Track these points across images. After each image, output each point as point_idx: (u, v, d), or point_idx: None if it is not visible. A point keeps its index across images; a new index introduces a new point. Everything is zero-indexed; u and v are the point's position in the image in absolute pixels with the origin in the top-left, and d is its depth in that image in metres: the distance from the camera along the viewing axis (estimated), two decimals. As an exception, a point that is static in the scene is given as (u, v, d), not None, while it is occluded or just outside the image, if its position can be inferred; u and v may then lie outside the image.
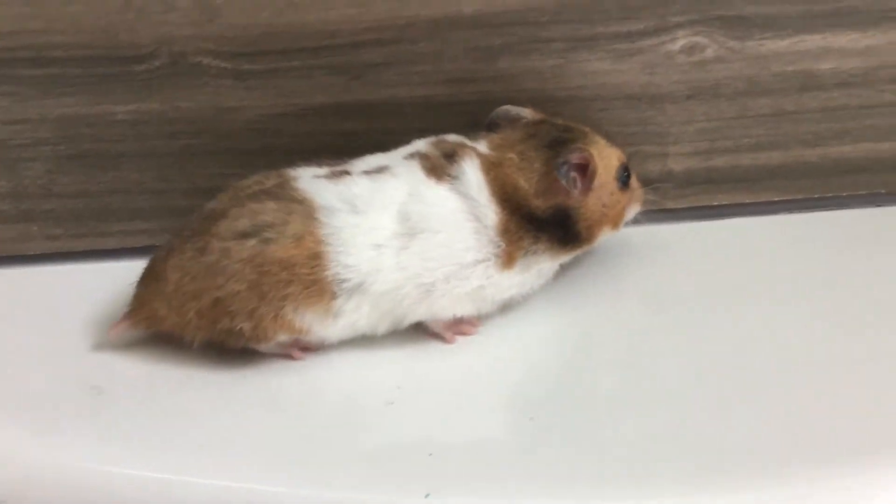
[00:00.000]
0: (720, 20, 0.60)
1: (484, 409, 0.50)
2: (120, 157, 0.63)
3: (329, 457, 0.47)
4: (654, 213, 0.61)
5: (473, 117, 0.62)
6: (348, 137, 0.62)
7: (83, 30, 0.60)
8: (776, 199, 0.65)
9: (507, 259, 0.54)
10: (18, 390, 0.54)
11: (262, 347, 0.54)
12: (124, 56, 0.61)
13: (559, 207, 0.54)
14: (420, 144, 0.56)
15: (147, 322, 0.55)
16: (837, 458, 0.45)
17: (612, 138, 0.58)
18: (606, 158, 0.56)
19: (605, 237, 0.57)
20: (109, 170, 0.63)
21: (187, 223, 0.55)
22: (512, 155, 0.55)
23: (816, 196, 0.65)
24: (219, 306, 0.52)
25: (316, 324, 0.53)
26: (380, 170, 0.55)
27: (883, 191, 0.65)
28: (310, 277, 0.52)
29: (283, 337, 0.53)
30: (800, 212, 0.65)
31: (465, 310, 0.55)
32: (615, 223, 0.57)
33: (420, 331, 0.55)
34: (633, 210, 0.58)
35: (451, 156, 0.55)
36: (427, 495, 0.44)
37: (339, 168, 0.55)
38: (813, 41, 0.61)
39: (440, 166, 0.54)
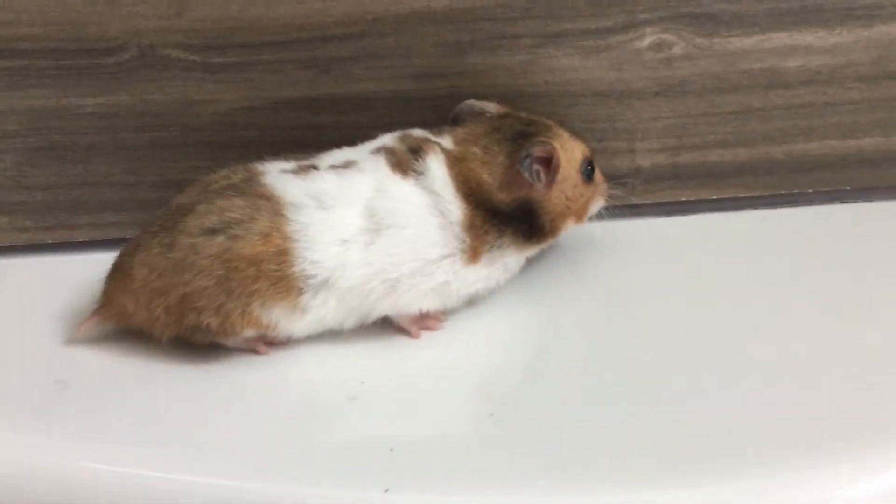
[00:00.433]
0: (688, 17, 0.61)
1: (446, 404, 0.51)
2: (89, 149, 0.63)
3: (290, 452, 0.48)
4: (621, 209, 0.61)
5: (443, 112, 0.62)
6: (318, 131, 0.63)
7: (52, 22, 0.60)
8: (742, 195, 0.65)
9: (472, 254, 0.54)
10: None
11: (229, 342, 0.54)
12: (93, 48, 0.61)
13: (523, 201, 0.55)
14: (386, 139, 0.57)
15: (116, 318, 0.55)
16: (792, 455, 0.46)
17: (579, 134, 0.58)
18: (570, 151, 0.56)
19: (569, 230, 0.58)
20: (79, 162, 0.63)
21: (154, 218, 0.55)
22: (475, 149, 0.55)
23: (782, 192, 0.65)
24: (186, 302, 0.52)
25: (283, 320, 0.53)
26: (347, 165, 0.55)
27: (848, 187, 0.65)
28: (277, 274, 0.52)
29: (249, 332, 0.53)
30: (766, 208, 0.65)
31: (430, 305, 0.55)
32: (579, 216, 0.57)
33: (385, 325, 0.56)
34: (598, 204, 0.59)
35: (416, 151, 0.55)
36: (386, 490, 0.44)
37: (306, 163, 0.55)
38: (780, 39, 0.62)
39: (405, 161, 0.55)
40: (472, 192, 0.54)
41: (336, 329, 0.55)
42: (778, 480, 0.45)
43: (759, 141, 0.64)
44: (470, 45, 0.61)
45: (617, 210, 0.61)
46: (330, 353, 0.54)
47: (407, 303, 0.54)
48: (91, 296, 0.59)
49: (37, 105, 0.62)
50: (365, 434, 0.48)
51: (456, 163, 0.55)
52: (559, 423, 0.48)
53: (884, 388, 0.49)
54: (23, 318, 0.59)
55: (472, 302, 0.57)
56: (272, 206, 0.53)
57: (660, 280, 0.60)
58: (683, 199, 0.66)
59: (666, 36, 0.61)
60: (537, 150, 0.54)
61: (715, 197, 0.65)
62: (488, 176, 0.54)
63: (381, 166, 0.55)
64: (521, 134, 0.55)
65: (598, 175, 0.58)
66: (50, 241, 0.65)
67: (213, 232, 0.52)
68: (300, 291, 0.52)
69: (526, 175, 0.54)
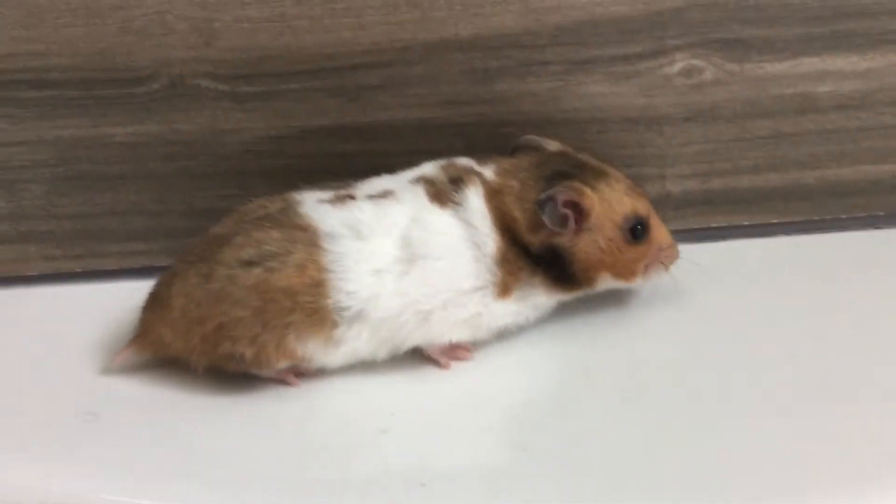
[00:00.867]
0: (718, 43, 0.60)
1: (477, 438, 0.50)
2: (118, 178, 0.63)
3: (321, 487, 0.47)
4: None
5: (470, 139, 0.62)
6: (346, 159, 0.63)
7: (81, 52, 0.60)
8: (774, 220, 0.65)
9: (503, 289, 0.54)
10: (12, 413, 0.54)
11: (262, 373, 0.54)
12: (123, 79, 0.61)
13: (549, 245, 0.53)
14: (428, 168, 0.56)
15: (153, 348, 0.55)
16: (816, 490, 0.45)
17: (639, 191, 0.56)
18: (612, 203, 0.54)
19: (615, 286, 0.56)
20: (107, 191, 0.64)
21: (191, 248, 0.55)
22: (514, 183, 0.54)
23: (815, 218, 0.65)
24: (222, 331, 0.52)
25: (318, 352, 0.53)
26: (384, 194, 0.55)
27: (881, 213, 0.65)
28: (312, 305, 0.52)
29: (283, 364, 0.53)
30: (798, 234, 0.64)
31: (461, 336, 0.54)
32: (621, 274, 0.55)
33: (415, 355, 0.55)
34: (656, 268, 0.56)
35: (456, 181, 0.54)
36: (419, 527, 0.44)
37: (343, 192, 0.55)
38: (811, 64, 0.61)
39: (445, 192, 0.54)
40: (506, 227, 0.54)
41: (368, 360, 0.54)
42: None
43: (790, 166, 0.64)
44: (498, 73, 0.61)
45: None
46: (360, 384, 0.54)
47: (438, 333, 0.54)
48: (121, 325, 0.60)
49: (66, 135, 0.62)
50: (396, 468, 0.48)
51: (494, 195, 0.54)
52: (594, 456, 0.48)
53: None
54: (52, 346, 0.59)
55: (502, 335, 0.56)
56: (308, 237, 0.53)
57: (692, 307, 0.59)
58: (714, 224, 0.65)
59: (696, 62, 0.61)
60: (561, 195, 0.52)
61: (746, 223, 0.65)
62: (520, 214, 0.54)
63: (420, 196, 0.54)
64: (560, 174, 0.54)
65: (657, 238, 0.56)
66: (78, 270, 0.65)
67: (249, 264, 0.52)
68: (335, 324, 0.52)
69: (545, 219, 0.53)
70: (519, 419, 0.52)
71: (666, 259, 0.56)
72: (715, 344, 0.56)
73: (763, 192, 0.64)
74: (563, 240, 0.53)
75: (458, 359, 0.55)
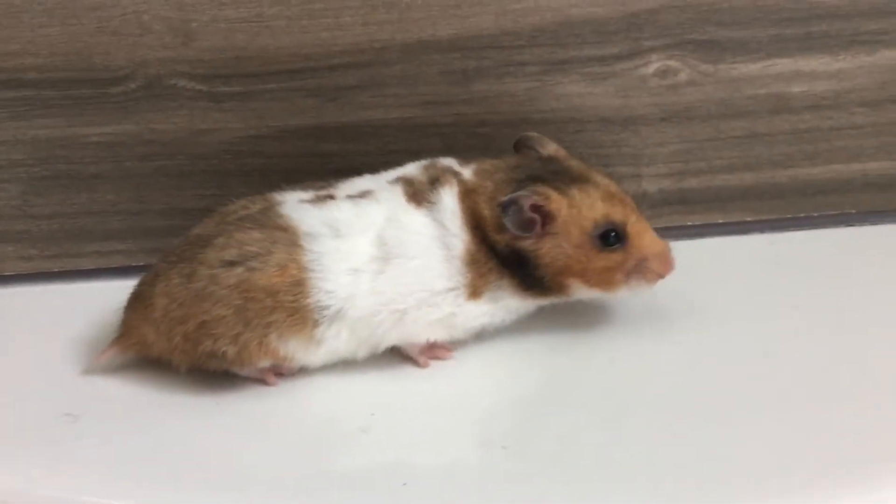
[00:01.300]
0: (693, 44, 0.61)
1: (457, 436, 0.51)
2: (95, 178, 0.63)
3: (302, 486, 0.47)
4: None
5: (448, 139, 0.63)
6: (325, 159, 0.63)
7: (58, 52, 0.60)
8: (748, 219, 0.66)
9: (474, 290, 0.54)
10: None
11: (243, 371, 0.54)
12: (99, 78, 0.61)
13: (514, 248, 0.53)
14: (410, 168, 0.56)
15: (136, 348, 0.55)
16: (807, 484, 0.46)
17: (620, 199, 0.54)
18: (581, 208, 0.52)
19: (593, 295, 0.55)
20: (84, 191, 0.63)
21: (172, 249, 0.55)
22: (488, 183, 0.54)
23: (788, 216, 0.66)
24: (203, 329, 0.52)
25: (299, 351, 0.53)
26: (364, 194, 0.55)
27: (853, 210, 0.66)
28: (293, 305, 0.52)
29: (265, 362, 0.53)
30: (772, 231, 0.65)
31: (437, 335, 0.55)
32: (595, 283, 0.53)
33: (394, 354, 0.55)
34: (640, 279, 0.54)
35: (434, 181, 0.55)
36: (400, 527, 0.44)
37: (323, 192, 0.55)
38: (784, 64, 0.62)
39: (422, 192, 0.54)
40: (476, 227, 0.54)
41: (349, 359, 0.55)
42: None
43: (764, 165, 0.64)
44: (476, 73, 0.61)
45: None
46: (340, 383, 0.54)
47: (414, 333, 0.54)
48: (100, 324, 0.60)
49: (42, 135, 0.62)
50: (377, 467, 0.48)
51: (468, 195, 0.54)
52: (574, 456, 0.48)
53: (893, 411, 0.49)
54: (30, 346, 0.59)
55: (481, 335, 0.56)
56: (289, 237, 0.53)
57: (667, 304, 0.59)
58: (689, 223, 0.66)
59: (671, 62, 0.61)
60: (525, 199, 0.52)
61: (721, 221, 0.66)
62: (489, 213, 0.53)
63: (398, 196, 0.54)
64: (533, 178, 0.53)
65: (638, 247, 0.53)
66: (55, 270, 0.65)
67: (231, 264, 0.52)
68: (315, 323, 0.52)
69: (507, 222, 0.52)
70: (499, 418, 0.52)
71: (652, 269, 0.54)
72: (691, 340, 0.56)
73: (737, 190, 0.65)
74: (527, 243, 0.53)
75: (437, 358, 0.56)
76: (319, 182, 0.56)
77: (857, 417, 0.50)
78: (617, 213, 0.53)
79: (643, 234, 0.54)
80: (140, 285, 0.56)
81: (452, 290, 0.54)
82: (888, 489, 0.45)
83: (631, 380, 0.54)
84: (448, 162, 0.56)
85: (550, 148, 0.56)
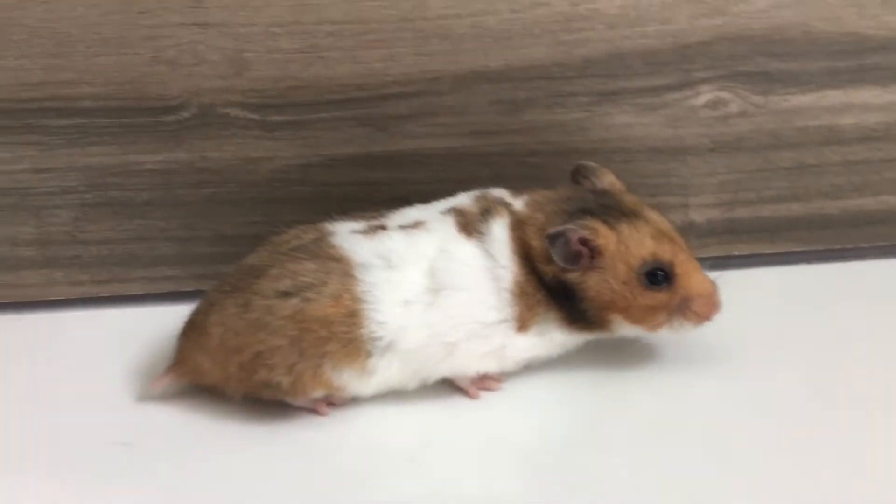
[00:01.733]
0: (744, 76, 0.61)
1: (507, 471, 0.50)
2: (146, 205, 0.63)
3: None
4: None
5: (497, 168, 0.63)
6: (373, 187, 0.63)
7: (113, 81, 0.60)
8: (796, 249, 0.65)
9: (522, 323, 0.53)
10: (41, 441, 0.54)
11: (297, 401, 0.54)
12: (153, 107, 0.61)
13: (560, 280, 0.53)
14: (462, 198, 0.56)
15: (190, 375, 0.55)
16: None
17: (670, 237, 0.54)
18: (630, 245, 0.52)
19: (636, 332, 0.54)
20: (135, 218, 0.64)
21: (226, 278, 0.55)
22: (539, 215, 0.54)
23: (836, 247, 0.65)
24: (259, 359, 0.52)
25: (353, 381, 0.53)
26: (415, 224, 0.55)
27: (902, 242, 0.65)
28: (347, 336, 0.52)
29: (318, 393, 0.53)
30: (820, 262, 0.65)
31: (487, 367, 0.55)
32: (637, 320, 0.53)
33: (445, 385, 0.55)
34: (684, 320, 0.53)
35: (485, 212, 0.55)
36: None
37: (375, 223, 0.55)
38: (835, 97, 0.62)
39: (473, 222, 0.54)
40: (526, 258, 0.53)
41: (399, 389, 0.55)
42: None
43: (813, 196, 0.64)
44: (526, 103, 0.61)
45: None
46: (390, 413, 0.54)
47: (465, 365, 0.54)
48: (148, 350, 0.60)
49: (95, 162, 0.62)
50: (424, 498, 0.48)
51: (518, 226, 0.54)
52: (628, 495, 0.48)
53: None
54: (80, 373, 0.59)
55: (531, 366, 0.56)
56: (342, 267, 0.53)
57: (712, 335, 0.59)
58: (737, 252, 0.65)
59: (722, 94, 0.61)
60: (573, 232, 0.51)
61: (768, 251, 0.65)
62: (538, 244, 0.53)
63: (449, 227, 0.54)
64: (586, 211, 0.53)
65: (685, 287, 0.53)
66: (104, 295, 0.65)
67: (286, 294, 0.52)
68: (368, 354, 0.53)
69: (554, 254, 0.52)
70: (551, 452, 0.52)
71: (696, 310, 0.53)
72: (735, 372, 0.56)
73: (785, 221, 0.65)
74: (573, 276, 0.53)
75: (487, 389, 0.56)
76: (370, 212, 0.57)
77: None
78: (665, 252, 0.53)
79: (691, 275, 0.53)
80: (195, 314, 0.56)
81: (502, 322, 0.53)
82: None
83: (678, 416, 0.53)
84: (500, 193, 0.56)
85: (607, 180, 0.56)
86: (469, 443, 0.52)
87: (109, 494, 0.50)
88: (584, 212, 0.53)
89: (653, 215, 0.54)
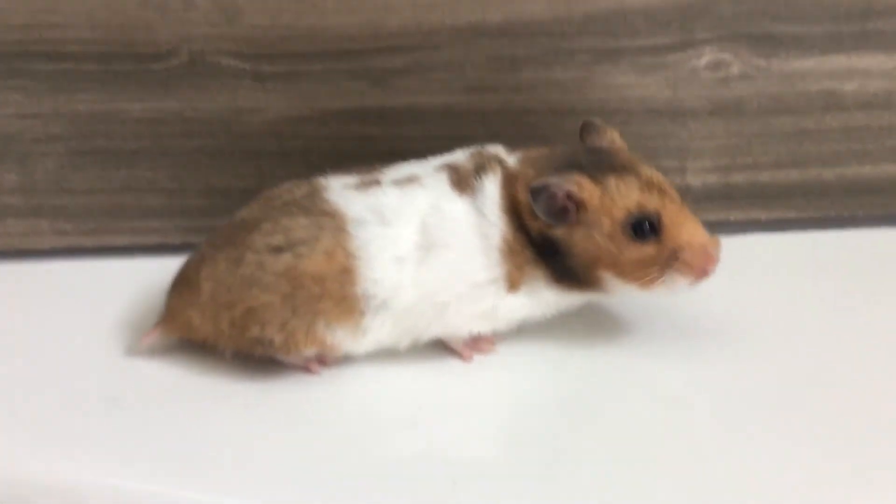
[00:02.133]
0: (747, 37, 0.60)
1: (509, 434, 0.50)
2: (134, 155, 0.62)
3: (348, 483, 0.47)
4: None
5: (493, 126, 0.61)
6: (367, 143, 0.62)
7: (100, 25, 0.59)
8: (792, 216, 0.65)
9: (512, 283, 0.53)
10: (22, 394, 0.53)
11: (288, 359, 0.53)
12: (142, 53, 0.59)
13: (546, 236, 0.52)
14: (458, 155, 0.55)
15: (180, 331, 0.54)
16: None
17: (660, 188, 0.52)
18: (615, 197, 0.51)
19: (629, 290, 0.52)
20: (122, 167, 0.62)
21: (218, 232, 0.54)
22: (530, 171, 0.53)
23: (833, 215, 0.65)
24: (251, 315, 0.52)
25: (346, 340, 0.52)
26: (409, 180, 0.54)
27: (899, 211, 0.65)
28: (340, 293, 0.51)
29: (311, 350, 0.53)
30: (815, 230, 0.65)
31: (480, 328, 0.54)
32: (627, 276, 0.51)
33: (438, 347, 0.55)
34: (671, 275, 0.51)
35: (479, 169, 0.53)
36: (452, 526, 0.44)
37: (369, 177, 0.54)
38: (838, 61, 0.61)
39: (466, 179, 0.53)
40: (515, 214, 0.52)
41: (391, 348, 0.54)
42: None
43: (812, 163, 0.63)
44: (524, 60, 0.60)
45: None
46: (383, 375, 0.53)
47: (457, 325, 0.53)
48: (137, 303, 0.59)
49: (82, 109, 0.61)
50: (425, 465, 0.48)
51: (509, 182, 0.53)
52: (629, 453, 0.47)
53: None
54: (66, 325, 0.58)
55: (524, 328, 0.55)
56: (335, 223, 0.52)
57: (707, 300, 0.59)
58: (732, 218, 0.65)
59: (724, 55, 0.60)
60: (555, 185, 0.50)
61: (764, 217, 0.65)
62: (525, 199, 0.52)
63: (442, 182, 0.53)
64: (575, 166, 0.51)
65: (674, 238, 0.51)
66: (90, 245, 0.64)
67: (279, 250, 0.52)
68: (362, 312, 0.52)
69: (537, 209, 0.51)
70: (552, 414, 0.51)
71: (688, 261, 0.51)
72: (729, 339, 0.56)
73: (783, 187, 0.64)
74: (559, 232, 0.51)
75: (480, 351, 0.55)
76: (365, 167, 0.56)
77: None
78: (651, 202, 0.51)
79: (681, 225, 0.51)
80: (185, 269, 0.55)
81: (493, 282, 0.53)
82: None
83: (673, 383, 0.53)
84: (495, 149, 0.55)
85: (608, 137, 0.54)
86: (470, 406, 0.52)
87: (96, 450, 0.49)
88: (574, 167, 0.52)
89: (647, 170, 0.52)
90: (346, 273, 0.51)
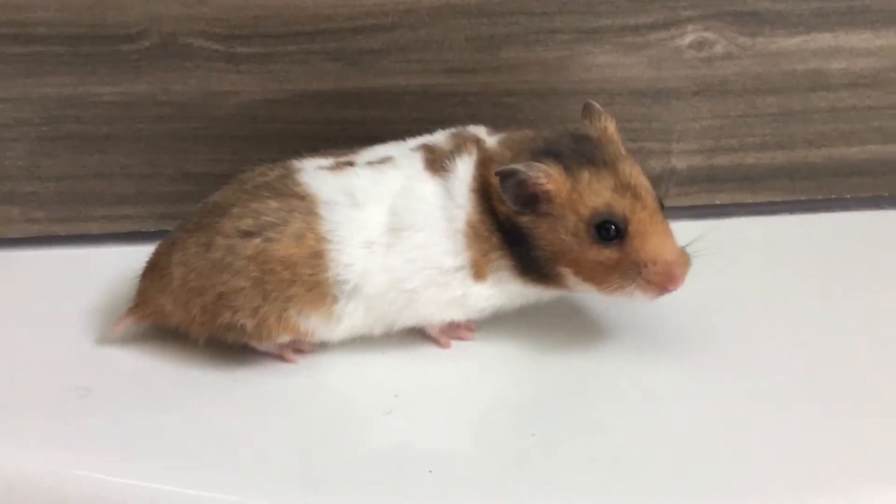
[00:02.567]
0: (731, 15, 0.59)
1: (485, 422, 0.49)
2: (105, 139, 0.61)
3: (323, 473, 0.46)
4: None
5: (473, 108, 0.60)
6: (344, 126, 0.61)
7: (69, 6, 0.57)
8: (779, 199, 0.64)
9: (478, 270, 0.51)
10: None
11: (262, 346, 0.52)
12: (112, 35, 0.58)
13: (513, 223, 0.50)
14: (437, 136, 0.54)
15: (153, 317, 0.53)
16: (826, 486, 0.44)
17: (635, 191, 0.49)
18: (584, 193, 0.48)
19: (589, 291, 0.50)
20: (94, 153, 0.61)
21: (190, 217, 0.53)
22: (507, 153, 0.51)
23: (820, 197, 0.64)
24: (222, 300, 0.50)
25: (320, 327, 0.51)
26: (383, 160, 0.52)
27: (886, 193, 0.64)
28: (312, 278, 0.50)
29: (284, 338, 0.51)
30: (803, 213, 0.64)
31: (453, 316, 0.52)
32: (587, 277, 0.49)
33: (415, 333, 0.54)
34: (637, 286, 0.49)
35: (456, 149, 0.52)
36: (427, 515, 0.43)
37: (343, 159, 0.53)
38: (824, 39, 0.60)
39: (440, 159, 0.52)
40: (485, 197, 0.50)
41: (367, 335, 0.53)
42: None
43: (798, 144, 0.62)
44: (504, 40, 0.59)
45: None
46: (360, 363, 0.52)
47: (429, 313, 0.52)
48: (110, 292, 0.58)
49: (52, 93, 0.59)
50: (401, 453, 0.47)
51: (484, 163, 0.51)
52: (605, 443, 0.47)
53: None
54: (37, 314, 0.57)
55: (501, 316, 0.54)
56: (306, 205, 0.51)
57: (693, 286, 0.58)
58: (718, 202, 0.64)
59: (708, 34, 0.59)
60: (522, 172, 0.48)
61: (751, 201, 0.64)
62: (496, 181, 0.50)
63: (416, 163, 0.52)
64: (553, 154, 0.49)
65: (640, 248, 0.48)
66: (62, 234, 0.63)
67: (248, 234, 0.50)
68: (335, 299, 0.50)
69: (504, 194, 0.49)
70: (527, 402, 0.51)
71: (650, 279, 0.48)
72: (716, 322, 0.55)
73: (769, 169, 0.63)
74: (525, 220, 0.49)
75: (459, 338, 0.54)
76: (342, 149, 0.54)
77: (885, 406, 0.48)
78: (621, 206, 0.48)
79: (649, 237, 0.48)
80: (157, 254, 0.54)
81: (459, 269, 0.51)
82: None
83: (655, 371, 0.52)
84: (477, 130, 0.54)
85: (601, 126, 0.52)
86: (447, 394, 0.51)
87: (66, 440, 0.48)
88: (551, 154, 0.50)
89: (627, 169, 0.50)
90: (316, 257, 0.50)
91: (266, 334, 0.51)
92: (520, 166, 0.49)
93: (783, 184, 0.63)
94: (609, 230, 0.49)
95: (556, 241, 0.49)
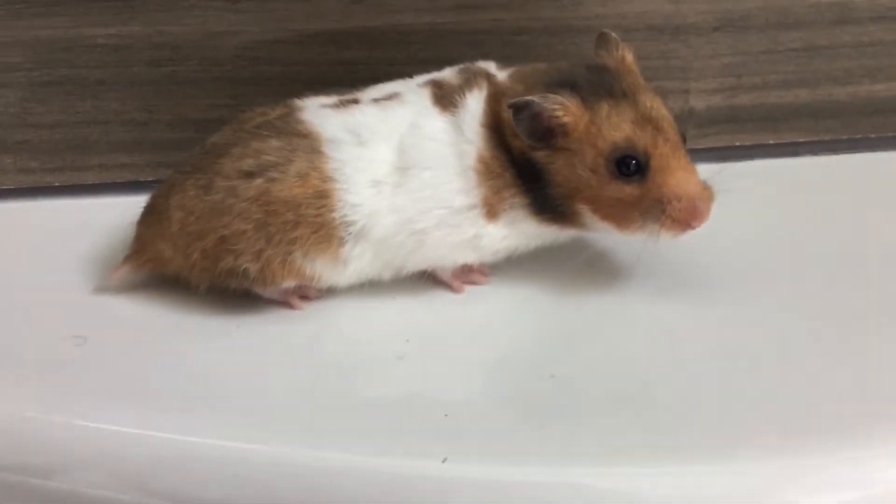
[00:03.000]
0: (754, -55, 0.57)
1: (501, 366, 0.47)
2: (100, 84, 0.59)
3: (337, 418, 0.44)
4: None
5: (483, 47, 0.58)
6: (348, 67, 0.59)
7: (58, -57, 0.55)
8: (802, 139, 0.62)
9: (490, 209, 0.49)
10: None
11: (266, 292, 0.50)
12: (104, -27, 0.56)
13: (528, 159, 0.48)
14: (445, 71, 0.51)
15: (151, 264, 0.51)
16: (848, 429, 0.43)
17: (657, 125, 0.47)
18: (602, 127, 0.46)
19: (607, 230, 0.48)
20: (88, 98, 0.59)
21: (188, 159, 0.51)
22: (520, 86, 0.49)
23: (844, 137, 0.62)
24: (223, 244, 0.48)
25: (326, 271, 0.49)
26: (390, 97, 0.50)
27: (914, 132, 0.62)
28: (317, 220, 0.48)
29: (289, 283, 0.49)
30: (826, 153, 0.62)
31: (464, 258, 0.50)
32: (606, 215, 0.47)
33: (428, 279, 0.51)
34: (653, 223, 0.47)
35: (465, 84, 0.50)
36: (444, 460, 0.41)
37: (348, 97, 0.51)
38: (851, -31, 0.58)
39: (449, 95, 0.49)
40: (497, 132, 0.48)
41: (375, 279, 0.51)
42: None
43: (822, 81, 0.61)
44: (516, -27, 0.57)
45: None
46: (370, 309, 0.50)
47: (440, 256, 0.50)
48: (107, 242, 0.56)
49: (43, 36, 0.58)
50: (416, 398, 0.45)
51: (495, 98, 0.49)
52: (622, 385, 0.45)
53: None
54: (33, 265, 0.55)
55: (515, 258, 0.51)
56: (309, 144, 0.48)
57: (715, 230, 0.55)
58: (739, 143, 0.62)
59: (729, -35, 0.57)
60: (536, 104, 0.46)
61: (773, 142, 0.62)
62: (507, 115, 0.47)
63: (424, 99, 0.50)
64: (569, 85, 0.47)
65: (662, 184, 0.46)
66: (57, 184, 0.61)
67: (249, 175, 0.48)
68: (341, 241, 0.48)
69: (517, 127, 0.46)
70: (544, 344, 0.49)
71: (673, 215, 0.46)
72: (738, 263, 0.53)
73: (791, 108, 0.61)
74: (540, 155, 0.47)
75: (472, 283, 0.52)
76: (347, 89, 0.52)
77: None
78: (642, 140, 0.46)
79: (671, 172, 0.46)
80: (154, 198, 0.52)
81: (471, 208, 0.49)
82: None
83: (675, 314, 0.50)
84: (486, 65, 0.51)
85: (618, 55, 0.49)
86: (461, 338, 0.49)
87: (64, 390, 0.47)
88: (567, 86, 0.47)
89: (648, 101, 0.47)
90: (321, 197, 0.48)
91: (270, 279, 0.49)
92: (534, 98, 0.47)
93: (807, 123, 0.61)
94: (629, 165, 0.46)
95: (573, 177, 0.47)
